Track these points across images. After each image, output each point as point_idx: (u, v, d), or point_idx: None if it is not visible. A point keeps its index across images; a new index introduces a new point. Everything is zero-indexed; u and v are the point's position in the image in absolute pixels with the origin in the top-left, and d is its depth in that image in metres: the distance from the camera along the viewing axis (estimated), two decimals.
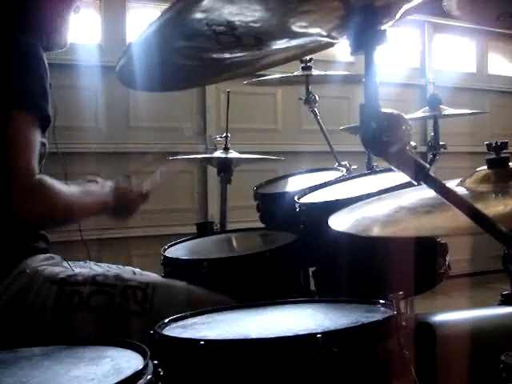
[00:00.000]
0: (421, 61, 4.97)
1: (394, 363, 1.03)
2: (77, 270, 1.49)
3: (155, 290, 1.42)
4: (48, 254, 1.51)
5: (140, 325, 1.33)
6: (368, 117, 0.77)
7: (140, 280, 1.46)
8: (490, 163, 1.04)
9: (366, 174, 1.96)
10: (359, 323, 1.04)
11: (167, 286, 1.45)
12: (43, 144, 1.52)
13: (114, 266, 1.78)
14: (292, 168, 2.50)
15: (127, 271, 1.79)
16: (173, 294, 1.40)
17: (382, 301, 1.17)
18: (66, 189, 1.41)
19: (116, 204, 1.56)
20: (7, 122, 1.32)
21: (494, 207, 0.91)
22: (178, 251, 1.79)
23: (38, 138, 1.38)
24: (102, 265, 1.76)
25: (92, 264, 1.73)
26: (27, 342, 1.06)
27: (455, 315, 1.50)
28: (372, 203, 1.14)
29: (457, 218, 0.80)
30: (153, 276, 1.58)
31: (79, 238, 1.81)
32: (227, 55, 0.92)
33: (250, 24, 0.78)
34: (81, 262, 1.69)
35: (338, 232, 1.00)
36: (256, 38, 0.85)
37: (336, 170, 2.17)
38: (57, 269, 1.46)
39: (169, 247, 1.83)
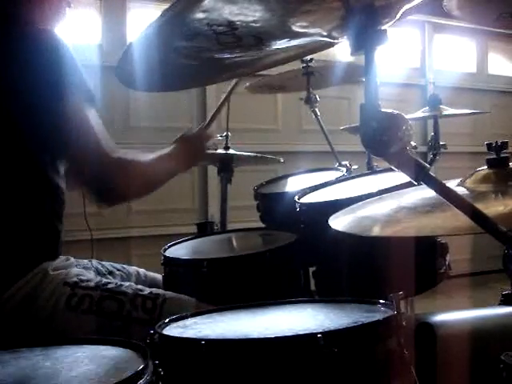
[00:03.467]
0: (421, 61, 4.97)
1: (394, 363, 1.03)
2: (90, 275, 1.50)
3: (165, 301, 1.42)
4: (64, 256, 1.52)
5: (146, 333, 1.33)
6: (368, 117, 0.77)
7: (151, 290, 1.46)
8: (490, 163, 1.04)
9: (366, 174, 1.96)
10: (359, 323, 1.04)
11: (177, 300, 1.46)
12: None
13: (118, 266, 1.78)
14: (292, 168, 2.50)
15: (132, 271, 1.78)
16: (182, 307, 1.40)
17: (382, 301, 1.17)
18: (143, 159, 1.57)
19: (185, 156, 1.74)
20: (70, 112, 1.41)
21: (494, 207, 0.91)
22: (178, 251, 1.79)
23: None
24: (106, 264, 1.76)
25: (96, 262, 1.73)
26: (32, 341, 1.06)
27: (455, 315, 1.50)
28: (372, 203, 1.15)
29: (457, 218, 0.80)
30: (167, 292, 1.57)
31: (80, 237, 1.81)
32: (227, 55, 0.92)
33: (251, 24, 0.78)
34: (85, 261, 1.69)
35: (339, 232, 1.00)
36: (256, 38, 0.85)
37: (336, 169, 2.17)
38: (73, 271, 1.46)
39: (169, 247, 1.83)
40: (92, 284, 1.43)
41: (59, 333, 1.34)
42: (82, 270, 1.55)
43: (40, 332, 1.35)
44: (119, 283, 1.47)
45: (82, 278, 1.44)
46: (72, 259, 1.54)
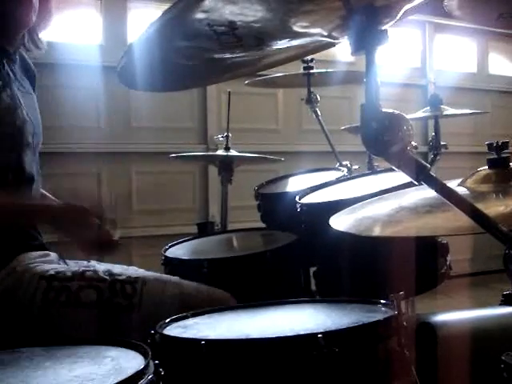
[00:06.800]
0: (422, 61, 4.96)
1: (394, 363, 1.03)
2: (68, 266, 1.48)
3: (145, 284, 1.40)
4: (43, 252, 1.51)
5: (129, 319, 1.32)
6: (369, 117, 0.77)
7: (130, 274, 1.44)
8: (491, 163, 1.04)
9: (367, 174, 1.96)
10: (360, 323, 1.04)
11: (158, 281, 1.44)
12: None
13: (117, 266, 1.78)
14: (293, 168, 2.50)
15: (130, 270, 1.78)
16: (164, 288, 1.39)
17: (382, 301, 1.17)
18: None
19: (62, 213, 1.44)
20: None
21: (494, 207, 0.91)
22: (178, 251, 1.80)
23: None
24: (106, 264, 1.76)
25: (95, 263, 1.72)
26: (20, 339, 1.06)
27: (456, 315, 1.50)
28: (373, 203, 1.14)
29: (458, 218, 0.80)
30: (147, 272, 1.55)
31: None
32: (228, 55, 0.92)
33: (251, 24, 0.78)
34: (84, 262, 1.69)
35: (339, 232, 1.00)
36: (257, 38, 0.85)
37: (337, 170, 2.17)
38: (48, 266, 1.45)
39: (169, 247, 1.83)
40: (69, 274, 1.40)
41: (40, 328, 1.33)
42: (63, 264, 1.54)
43: (20, 329, 1.33)
44: (96, 270, 1.44)
45: (58, 269, 1.42)
46: (52, 255, 1.53)
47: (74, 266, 1.59)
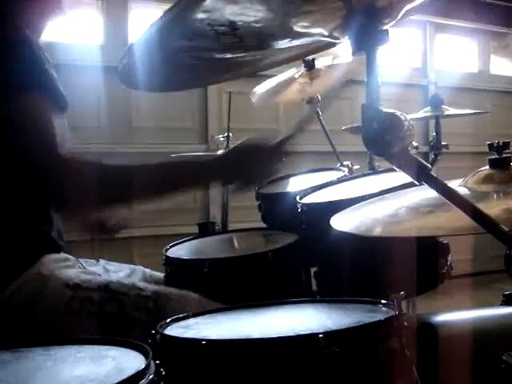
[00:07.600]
0: (422, 61, 4.97)
1: (395, 363, 1.03)
2: (91, 275, 1.48)
3: (167, 301, 1.40)
4: (63, 255, 1.50)
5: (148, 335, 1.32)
6: (370, 117, 0.77)
7: (153, 290, 1.44)
8: (492, 163, 1.04)
9: (368, 174, 1.96)
10: (361, 323, 1.03)
11: (179, 298, 1.44)
12: None
13: (125, 266, 1.77)
14: (294, 168, 2.50)
15: (137, 271, 1.78)
16: (184, 306, 1.39)
17: (383, 301, 1.17)
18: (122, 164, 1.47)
19: (231, 167, 1.48)
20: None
21: (495, 207, 0.91)
22: (179, 251, 1.79)
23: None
24: (114, 264, 1.75)
25: (104, 262, 1.72)
26: (34, 341, 1.06)
27: (457, 315, 1.50)
28: (374, 203, 1.15)
29: (459, 218, 0.80)
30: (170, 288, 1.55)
31: (83, 237, 1.81)
32: (229, 55, 0.92)
33: (252, 24, 0.78)
34: (93, 261, 1.69)
35: (340, 232, 1.00)
36: (258, 38, 0.85)
37: (338, 170, 2.17)
38: (72, 272, 1.45)
39: (171, 247, 1.83)
40: (93, 285, 1.40)
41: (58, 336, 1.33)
42: (84, 269, 1.54)
43: (40, 335, 1.33)
44: (121, 282, 1.45)
45: (82, 278, 1.42)
46: (72, 259, 1.53)
47: (95, 268, 1.58)
